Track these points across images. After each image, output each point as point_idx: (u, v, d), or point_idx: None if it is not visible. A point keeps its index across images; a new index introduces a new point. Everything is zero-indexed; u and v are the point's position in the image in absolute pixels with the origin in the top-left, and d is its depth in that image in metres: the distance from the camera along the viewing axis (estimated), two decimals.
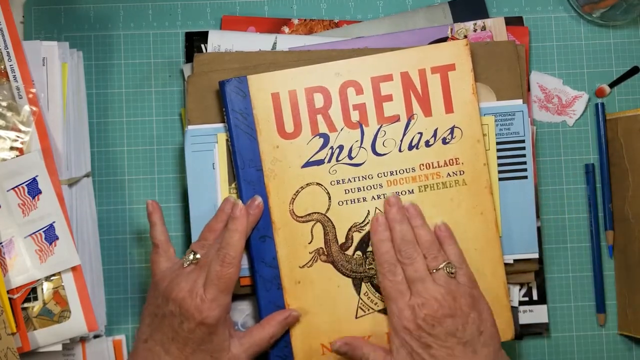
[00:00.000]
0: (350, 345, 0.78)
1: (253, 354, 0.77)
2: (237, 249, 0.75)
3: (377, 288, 0.80)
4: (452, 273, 0.76)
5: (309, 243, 0.79)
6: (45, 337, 0.79)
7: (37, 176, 0.79)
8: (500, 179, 0.82)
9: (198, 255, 0.76)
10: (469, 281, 0.77)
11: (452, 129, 0.80)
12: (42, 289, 0.79)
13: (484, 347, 0.74)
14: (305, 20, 0.88)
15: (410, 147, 0.80)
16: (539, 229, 0.86)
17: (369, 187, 0.79)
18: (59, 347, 0.80)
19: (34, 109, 0.80)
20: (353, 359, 0.78)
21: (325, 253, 0.79)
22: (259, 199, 0.78)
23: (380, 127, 0.80)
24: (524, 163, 0.82)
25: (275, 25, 0.88)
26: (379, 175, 0.80)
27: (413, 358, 0.74)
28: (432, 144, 0.80)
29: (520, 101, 0.83)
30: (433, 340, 0.73)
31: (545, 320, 0.87)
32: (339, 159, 0.79)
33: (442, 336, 0.73)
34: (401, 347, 0.75)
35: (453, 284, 0.75)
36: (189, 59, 0.86)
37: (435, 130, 0.80)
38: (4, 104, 0.80)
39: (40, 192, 0.79)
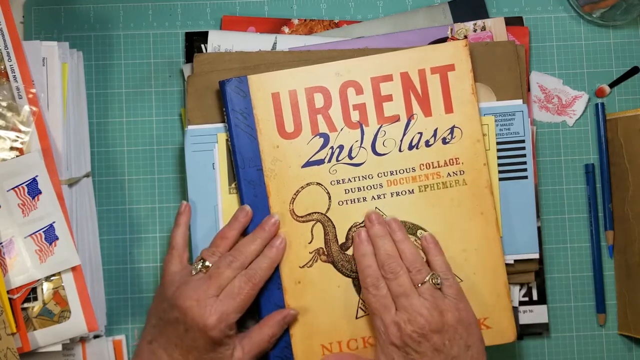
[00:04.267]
0: None
1: (254, 355, 0.76)
2: (264, 274, 0.76)
3: None
4: (437, 284, 0.75)
5: (309, 243, 0.79)
6: (45, 337, 0.79)
7: (37, 176, 0.79)
8: (500, 179, 0.82)
9: (207, 263, 0.76)
10: (455, 293, 0.76)
11: (451, 129, 0.80)
12: (42, 289, 0.79)
13: None
14: (305, 20, 0.88)
15: (410, 147, 0.80)
16: (539, 229, 0.86)
17: (369, 187, 0.79)
18: (59, 347, 0.80)
19: (34, 109, 0.80)
20: None
21: (326, 253, 0.79)
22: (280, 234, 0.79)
23: (380, 127, 0.80)
24: (524, 163, 0.82)
25: (275, 25, 0.87)
26: (379, 175, 0.80)
27: None
28: (432, 144, 0.80)
29: (520, 101, 0.83)
30: (420, 356, 0.73)
31: (545, 320, 0.86)
32: (339, 158, 0.79)
33: (429, 352, 0.73)
34: None
35: (439, 298, 0.74)
36: (189, 59, 0.86)
37: (435, 130, 0.80)
38: (4, 104, 0.80)
39: (40, 192, 0.79)
